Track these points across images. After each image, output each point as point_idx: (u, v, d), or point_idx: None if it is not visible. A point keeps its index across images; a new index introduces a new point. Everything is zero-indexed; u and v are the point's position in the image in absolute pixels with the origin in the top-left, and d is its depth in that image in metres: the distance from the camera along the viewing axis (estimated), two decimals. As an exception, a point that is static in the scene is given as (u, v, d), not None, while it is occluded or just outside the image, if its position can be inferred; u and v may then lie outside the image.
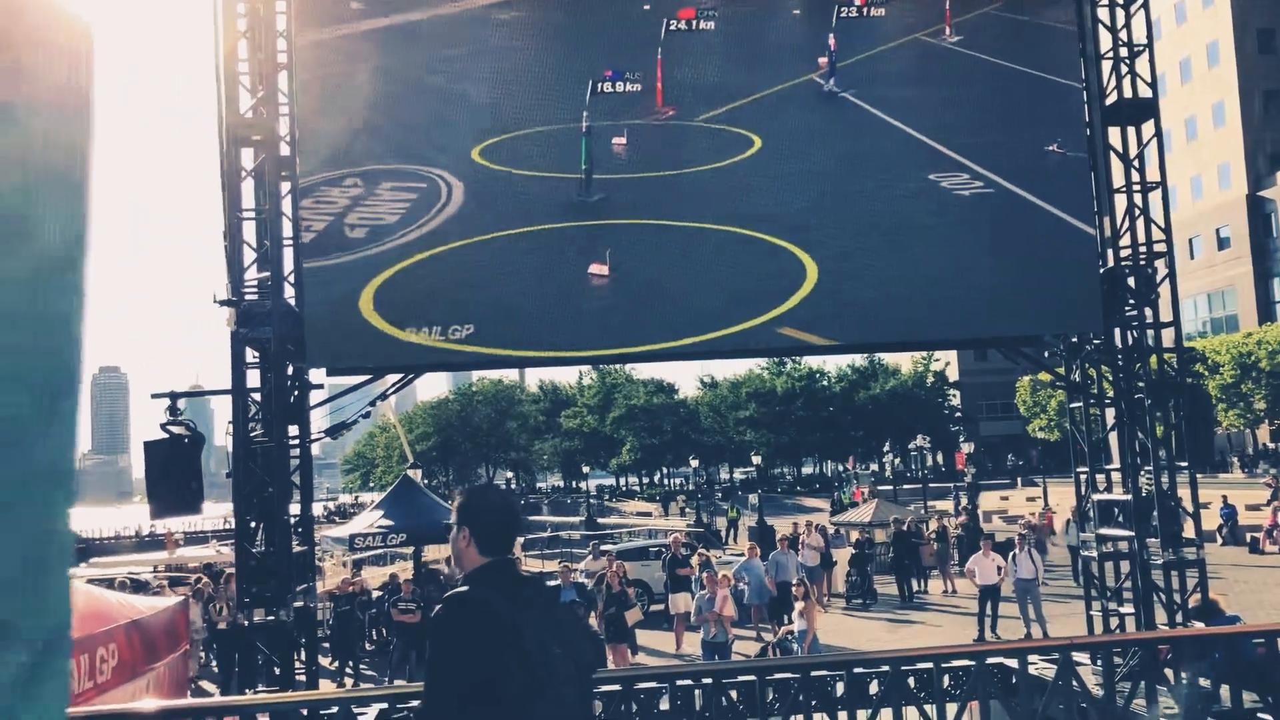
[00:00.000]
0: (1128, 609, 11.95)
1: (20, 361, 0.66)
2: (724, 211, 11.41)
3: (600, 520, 59.00)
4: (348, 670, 19.79)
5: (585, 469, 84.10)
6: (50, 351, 0.68)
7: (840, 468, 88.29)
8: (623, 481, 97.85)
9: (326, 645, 19.75)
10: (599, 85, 11.29)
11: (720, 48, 11.78)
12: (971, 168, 11.61)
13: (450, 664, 3.66)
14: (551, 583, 21.55)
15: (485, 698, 3.58)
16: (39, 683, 0.66)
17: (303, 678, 11.03)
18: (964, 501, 43.97)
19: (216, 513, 61.70)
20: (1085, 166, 11.91)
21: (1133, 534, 11.67)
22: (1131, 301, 11.83)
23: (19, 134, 0.67)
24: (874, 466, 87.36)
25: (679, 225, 11.38)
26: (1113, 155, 12.12)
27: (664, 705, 8.86)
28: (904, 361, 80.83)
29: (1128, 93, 11.94)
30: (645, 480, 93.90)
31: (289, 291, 11.14)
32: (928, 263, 11.52)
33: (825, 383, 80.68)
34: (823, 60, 11.75)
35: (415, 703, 9.10)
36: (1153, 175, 12.05)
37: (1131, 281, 11.80)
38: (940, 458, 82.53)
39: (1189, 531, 11.69)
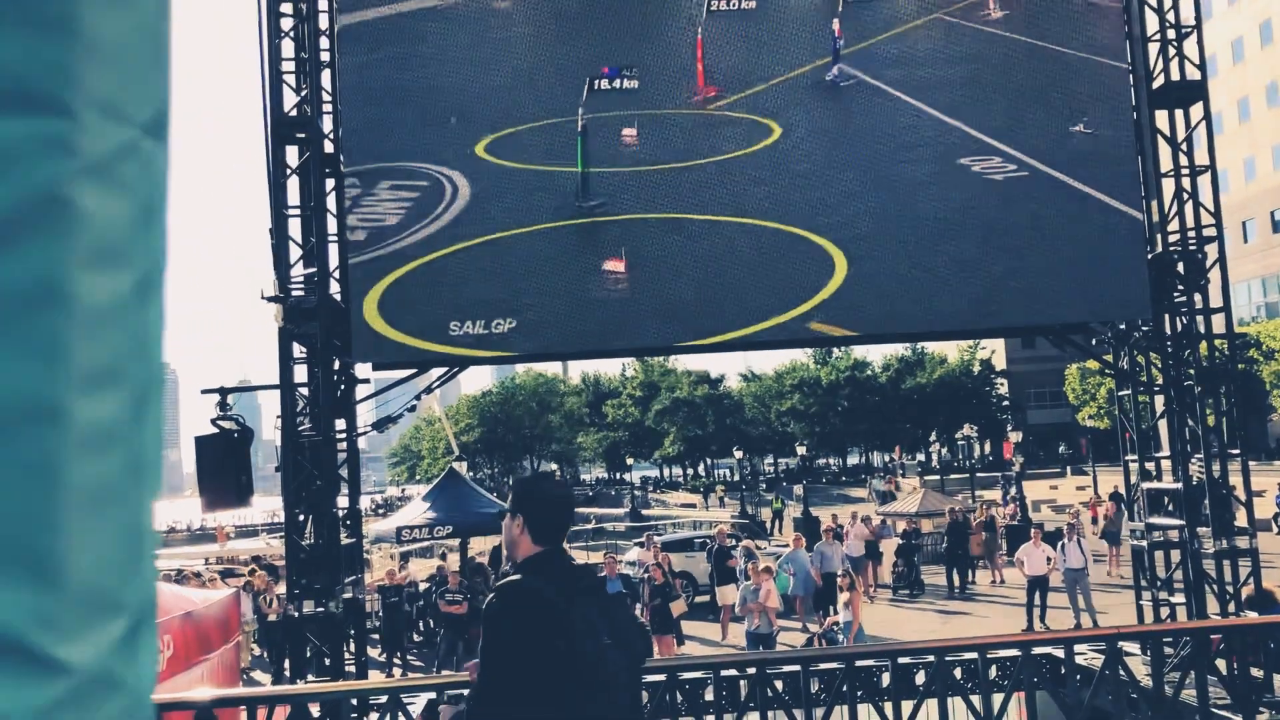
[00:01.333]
0: (1178, 599, 11.79)
1: (121, 370, 0.77)
2: (744, 203, 11.12)
3: (644, 512, 59.09)
4: (396, 661, 20.02)
5: (629, 461, 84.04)
6: (142, 360, 0.79)
7: (886, 458, 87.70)
8: (666, 473, 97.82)
9: (375, 637, 19.99)
10: (596, 83, 11.00)
11: (734, 31, 11.47)
12: (1004, 150, 11.33)
13: (503, 652, 3.71)
14: (598, 574, 21.63)
15: (537, 685, 3.63)
16: (136, 647, 0.78)
17: (352, 668, 11.18)
18: (1011, 491, 43.51)
19: (264, 506, 62.49)
20: (1131, 149, 11.72)
21: (1183, 523, 11.51)
22: (1180, 287, 11.66)
23: (137, 180, 0.79)
24: (920, 456, 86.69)
25: (698, 219, 11.08)
26: (1160, 139, 11.93)
27: (709, 695, 8.89)
28: (950, 350, 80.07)
29: (1175, 75, 11.75)
30: (689, 472, 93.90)
31: (334, 287, 11.28)
32: (964, 250, 11.32)
33: (871, 372, 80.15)
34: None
35: (465, 691, 9.21)
36: (1202, 159, 11.86)
37: (1180, 267, 11.63)
38: (988, 447, 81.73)
39: (1241, 520, 11.51)
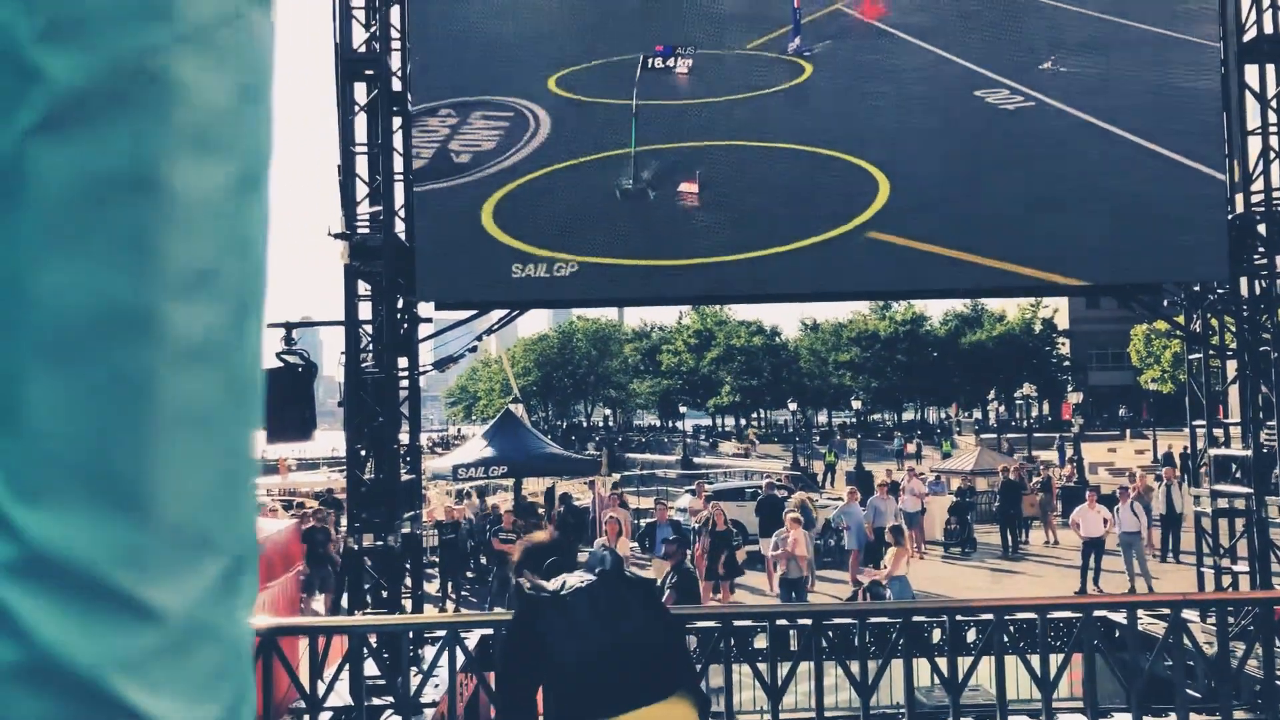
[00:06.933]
0: (1241, 567, 11.60)
1: (221, 274, 0.67)
2: (791, 133, 11.63)
3: (696, 460, 59.26)
4: (450, 596, 20.39)
5: (682, 409, 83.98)
6: (244, 263, 0.69)
7: (943, 414, 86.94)
8: (719, 423, 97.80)
9: (430, 571, 20.35)
10: (650, 61, 11.46)
11: None
12: (1066, 109, 11.31)
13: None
14: (647, 520, 21.85)
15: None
16: (234, 592, 0.69)
17: (408, 601, 11.39)
18: (1069, 452, 42.93)
19: (325, 440, 63.57)
20: (1216, 105, 11.34)
21: (1251, 491, 11.29)
22: (1261, 250, 11.32)
23: (240, 54, 0.69)
24: (978, 414, 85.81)
25: (754, 145, 11.63)
26: (1248, 95, 11.52)
27: (759, 643, 8.94)
28: (1010, 308, 78.85)
29: (1268, 28, 11.31)
30: (742, 423, 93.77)
31: (399, 226, 11.33)
32: (1025, 197, 11.36)
33: (929, 327, 79.15)
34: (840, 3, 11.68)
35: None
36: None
37: (1262, 229, 11.28)
38: (1046, 407, 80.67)
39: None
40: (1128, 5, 11.45)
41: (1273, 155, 11.27)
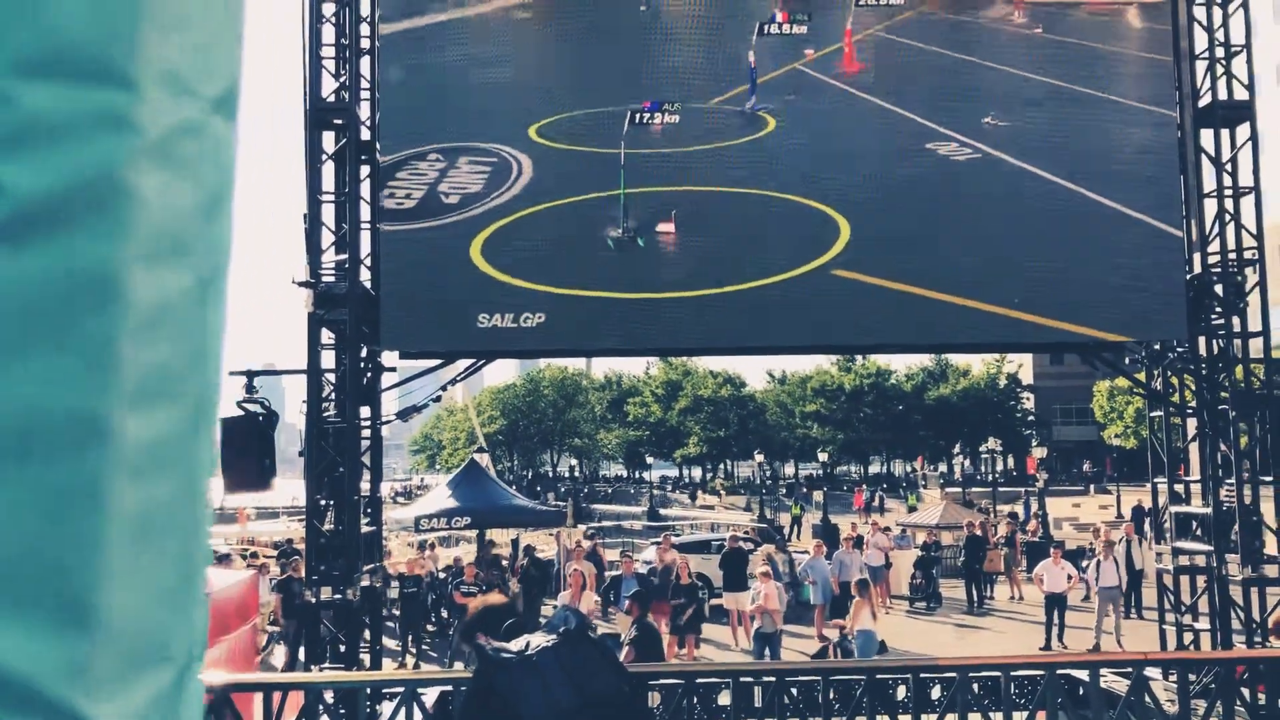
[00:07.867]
0: (1203, 625, 11.64)
1: (178, 381, 0.66)
2: (757, 179, 12.14)
3: (662, 511, 59.04)
4: (410, 650, 20.05)
5: (649, 460, 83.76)
6: (200, 370, 0.69)
7: (909, 467, 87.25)
8: (686, 473, 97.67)
9: (390, 625, 20.02)
10: (637, 116, 11.98)
11: (715, 39, 12.44)
12: (1040, 173, 11.66)
13: None
14: (613, 573, 21.67)
15: None
16: (180, 700, 0.67)
17: (367, 656, 11.18)
18: (1034, 507, 43.12)
19: (285, 489, 62.77)
20: (1174, 169, 11.58)
21: (1211, 548, 11.36)
22: (1218, 309, 11.50)
23: (202, 164, 0.68)
24: (943, 467, 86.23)
25: (724, 191, 12.15)
26: (1204, 158, 11.77)
27: (724, 700, 8.83)
28: (975, 363, 79.58)
29: (1222, 94, 11.59)
30: (709, 473, 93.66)
31: (365, 274, 11.29)
32: (976, 242, 11.73)
33: (894, 381, 79.71)
34: (808, 54, 12.20)
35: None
36: (1246, 180, 11.70)
37: (1219, 289, 11.47)
38: (1011, 461, 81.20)
39: (1271, 548, 11.34)
40: (1086, 70, 11.74)
41: (1228, 217, 11.50)
